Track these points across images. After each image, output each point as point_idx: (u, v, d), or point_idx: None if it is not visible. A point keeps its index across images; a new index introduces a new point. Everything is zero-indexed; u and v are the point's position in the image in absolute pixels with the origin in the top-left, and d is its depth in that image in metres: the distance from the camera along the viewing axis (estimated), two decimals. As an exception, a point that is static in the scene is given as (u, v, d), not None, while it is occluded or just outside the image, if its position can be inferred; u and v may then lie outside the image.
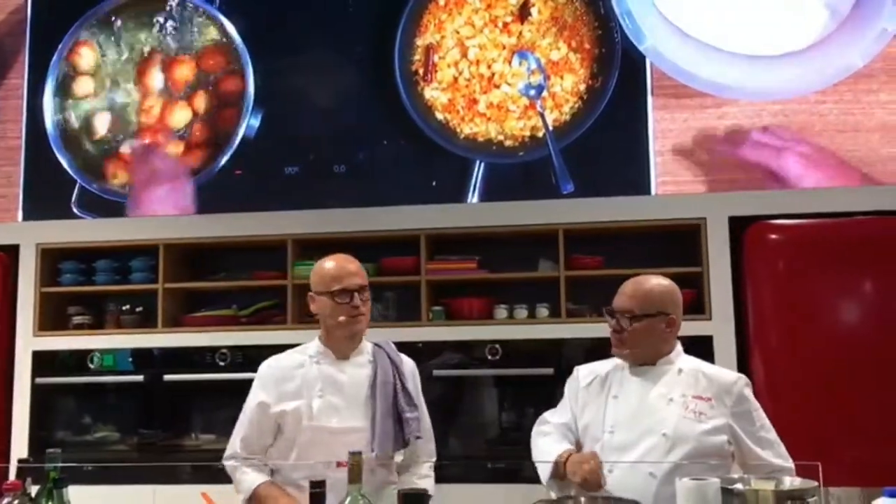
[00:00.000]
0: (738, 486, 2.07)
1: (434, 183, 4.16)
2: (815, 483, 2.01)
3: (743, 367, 3.50)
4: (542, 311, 3.73)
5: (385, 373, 2.50)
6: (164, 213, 4.27)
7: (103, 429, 3.99)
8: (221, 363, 3.81)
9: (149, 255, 3.99)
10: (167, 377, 3.85)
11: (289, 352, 2.61)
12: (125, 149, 4.45)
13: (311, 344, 2.59)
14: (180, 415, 3.96)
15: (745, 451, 2.38)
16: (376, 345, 2.58)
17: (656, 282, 2.49)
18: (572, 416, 2.52)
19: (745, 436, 2.38)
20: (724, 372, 2.50)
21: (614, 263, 3.68)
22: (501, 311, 3.76)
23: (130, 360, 3.91)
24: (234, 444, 2.53)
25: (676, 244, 3.80)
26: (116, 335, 3.95)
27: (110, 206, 4.36)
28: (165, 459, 3.80)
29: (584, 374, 2.58)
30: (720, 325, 3.54)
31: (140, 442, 3.90)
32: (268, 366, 2.58)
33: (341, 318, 2.45)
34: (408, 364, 2.62)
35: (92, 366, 3.91)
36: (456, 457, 3.62)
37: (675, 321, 2.44)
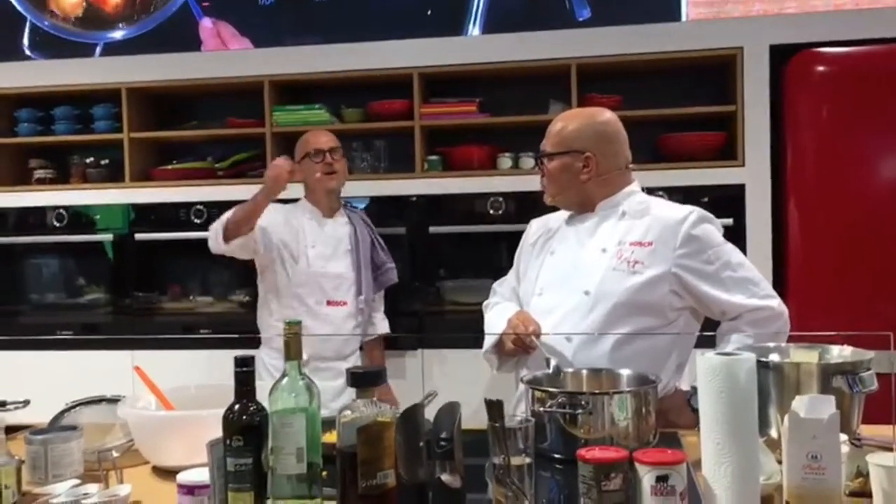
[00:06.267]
0: (775, 357, 1.72)
1: (429, 12, 3.71)
2: (869, 354, 1.65)
3: (778, 221, 3.15)
4: (552, 159, 3.33)
5: (362, 231, 3.02)
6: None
7: (91, 290, 3.69)
8: (197, 221, 3.48)
9: (112, 102, 3.63)
10: (138, 236, 3.55)
11: (278, 206, 2.90)
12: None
13: (298, 203, 3.00)
14: (155, 277, 3.66)
15: (702, 298, 1.99)
16: (349, 210, 3.07)
17: (579, 117, 2.16)
18: (517, 278, 2.26)
19: (699, 279, 1.98)
20: (675, 209, 2.07)
21: (634, 104, 3.28)
22: (506, 161, 3.41)
23: (98, 217, 3.60)
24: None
25: (707, 80, 3.41)
26: (83, 191, 3.63)
27: (66, 47, 3.90)
28: (141, 323, 3.55)
29: (534, 228, 2.27)
30: (754, 172, 3.17)
31: (116, 305, 3.63)
32: (267, 209, 2.84)
33: (317, 175, 2.92)
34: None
35: (58, 224, 3.61)
36: (451, 320, 3.39)
37: (591, 160, 2.06)
